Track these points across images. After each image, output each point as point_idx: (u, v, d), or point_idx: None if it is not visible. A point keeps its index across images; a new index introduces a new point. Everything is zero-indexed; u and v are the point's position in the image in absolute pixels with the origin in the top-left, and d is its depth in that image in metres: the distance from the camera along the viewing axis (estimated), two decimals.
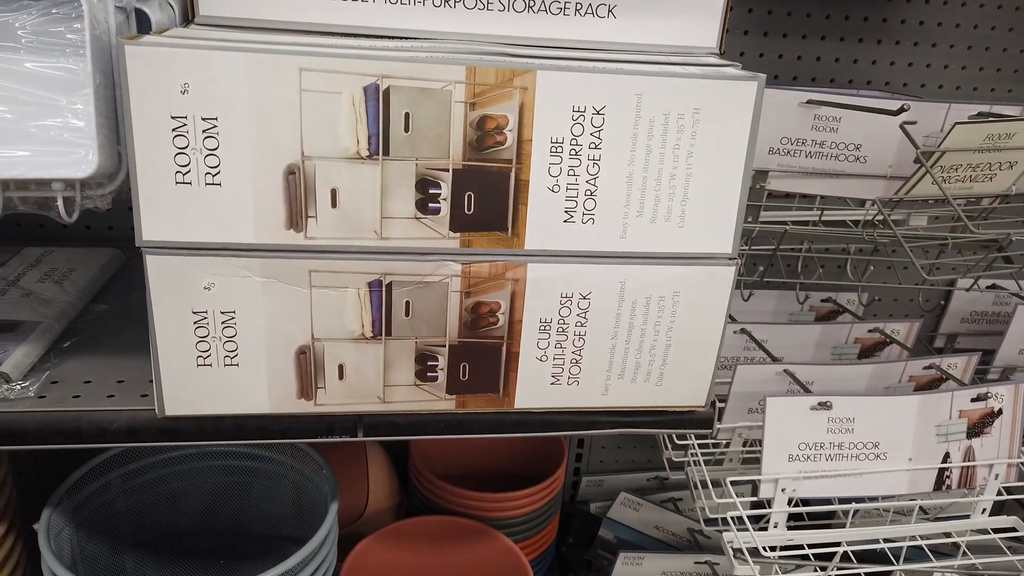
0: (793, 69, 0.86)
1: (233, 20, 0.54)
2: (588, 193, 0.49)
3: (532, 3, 0.56)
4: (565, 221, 0.50)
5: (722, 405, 0.79)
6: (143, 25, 0.49)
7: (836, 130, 0.73)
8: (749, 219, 0.79)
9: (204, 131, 0.45)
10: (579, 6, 0.56)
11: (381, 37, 0.55)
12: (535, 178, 0.49)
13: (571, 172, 0.49)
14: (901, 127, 0.65)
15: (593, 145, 0.48)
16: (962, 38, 0.87)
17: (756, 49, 0.84)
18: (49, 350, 0.58)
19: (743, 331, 0.85)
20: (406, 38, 0.56)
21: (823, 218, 0.82)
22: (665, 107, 0.48)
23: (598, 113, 0.48)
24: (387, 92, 0.45)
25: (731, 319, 0.87)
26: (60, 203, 0.45)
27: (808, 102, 0.72)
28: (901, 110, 0.65)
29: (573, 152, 0.48)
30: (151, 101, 0.43)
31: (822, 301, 0.95)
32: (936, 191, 0.64)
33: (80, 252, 0.75)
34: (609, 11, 0.57)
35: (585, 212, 0.50)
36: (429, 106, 0.46)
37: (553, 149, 0.48)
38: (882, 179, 0.75)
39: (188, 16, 0.54)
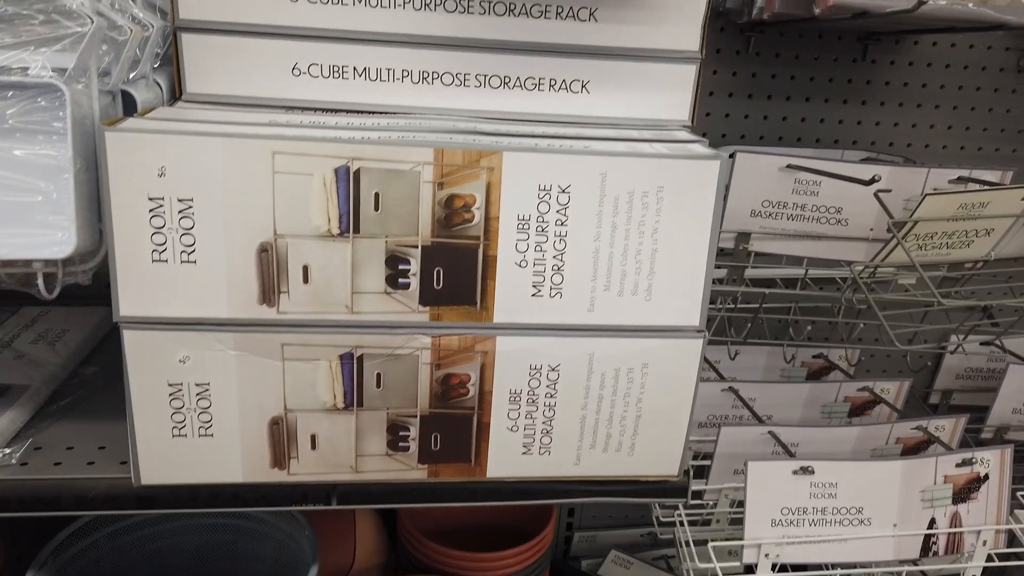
0: (778, 130, 0.87)
1: (218, 97, 0.56)
2: (555, 268, 0.50)
3: (508, 80, 0.58)
4: (533, 295, 0.51)
5: (708, 463, 0.79)
6: (129, 106, 0.51)
7: (816, 193, 0.74)
8: (734, 279, 0.79)
9: (180, 211, 0.46)
10: (553, 82, 0.58)
11: (361, 112, 0.57)
12: (503, 254, 0.50)
13: (538, 248, 0.50)
14: (875, 195, 0.66)
15: (559, 222, 0.50)
16: (947, 99, 0.88)
17: (740, 111, 0.86)
18: (36, 414, 0.60)
19: (731, 389, 0.85)
20: (385, 113, 0.57)
21: (809, 276, 0.83)
22: (629, 186, 0.49)
23: (564, 191, 0.49)
24: (357, 173, 0.47)
25: (719, 376, 0.87)
26: (40, 281, 0.46)
27: (788, 166, 0.73)
28: (873, 180, 0.65)
29: (540, 229, 0.50)
30: (129, 183, 0.45)
31: (813, 357, 0.95)
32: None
33: (77, 312, 0.77)
34: (583, 87, 0.58)
35: (553, 286, 0.51)
36: (398, 186, 0.48)
37: (520, 226, 0.49)
38: (864, 241, 0.76)
39: (176, 94, 0.56)
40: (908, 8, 0.57)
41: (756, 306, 0.81)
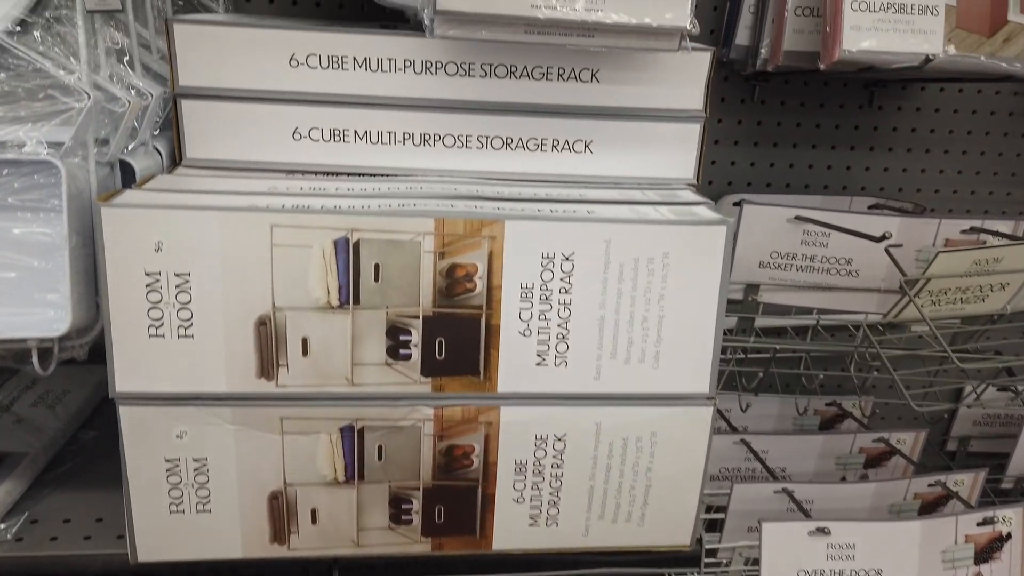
0: (785, 177, 0.86)
1: (218, 162, 0.56)
2: (560, 336, 0.49)
3: (510, 141, 0.57)
4: (537, 364, 0.50)
5: (721, 516, 0.77)
6: (128, 175, 0.51)
7: (826, 245, 0.73)
8: (744, 329, 0.78)
9: (177, 286, 0.45)
10: (556, 143, 0.58)
11: (363, 175, 0.57)
12: (506, 323, 0.49)
13: (542, 316, 0.49)
14: (886, 251, 0.65)
15: (563, 290, 0.49)
16: (955, 144, 0.87)
17: (746, 159, 0.85)
18: (33, 483, 0.59)
19: (742, 442, 0.83)
20: (387, 175, 0.57)
21: (821, 323, 0.81)
22: (634, 252, 0.48)
23: (567, 259, 0.48)
24: (357, 244, 0.46)
25: (730, 428, 0.85)
26: (35, 357, 0.45)
27: (796, 217, 0.72)
28: (883, 237, 0.64)
29: (543, 297, 0.49)
30: (125, 259, 0.45)
31: (826, 405, 0.93)
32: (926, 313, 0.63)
33: (79, 370, 0.75)
34: (586, 147, 0.58)
35: (557, 355, 0.50)
36: (399, 256, 0.47)
37: (523, 294, 0.48)
38: (875, 292, 0.74)
39: (176, 159, 0.56)
40: (916, 65, 0.56)
41: (767, 356, 0.80)
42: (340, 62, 0.54)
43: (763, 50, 0.71)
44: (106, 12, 0.47)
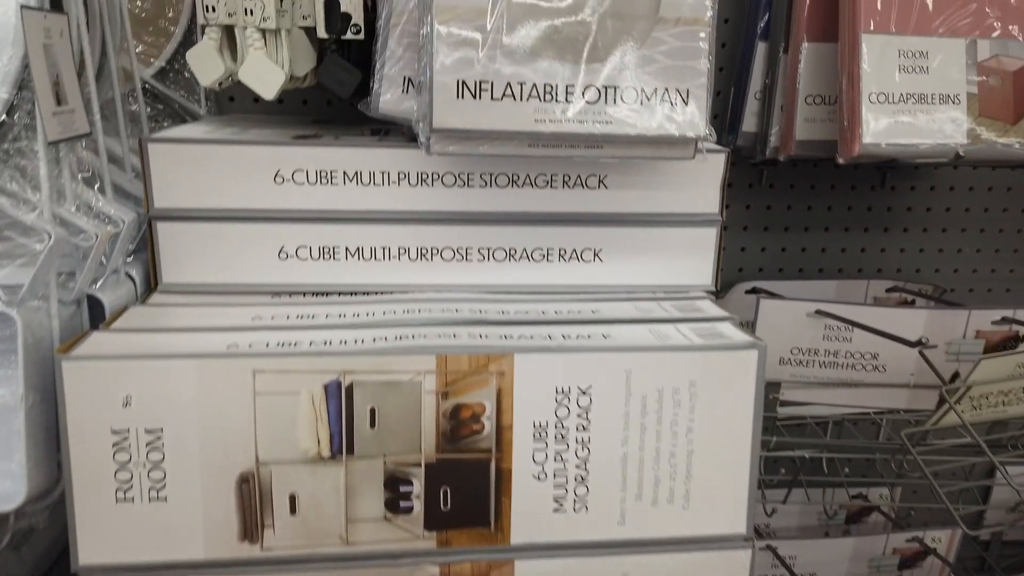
0: (798, 261, 0.83)
1: (197, 287, 0.51)
2: (579, 479, 0.44)
3: (513, 252, 0.53)
4: (555, 510, 0.44)
5: None
6: (96, 311, 0.46)
7: (850, 339, 0.69)
8: (765, 431, 0.73)
9: (148, 443, 0.40)
10: (563, 252, 0.53)
11: (355, 293, 0.52)
12: (518, 466, 0.44)
13: (558, 457, 0.44)
14: (921, 354, 0.61)
15: (581, 427, 0.44)
16: (972, 222, 0.83)
17: (757, 244, 0.81)
18: None
19: (768, 548, 0.77)
20: (381, 292, 0.52)
21: (844, 415, 0.77)
22: (658, 382, 0.44)
23: (584, 393, 0.43)
24: (350, 388, 0.41)
25: (756, 534, 0.80)
26: None
27: (817, 312, 0.68)
28: (920, 343, 0.60)
29: (559, 436, 0.44)
30: (90, 417, 0.40)
31: (852, 498, 0.88)
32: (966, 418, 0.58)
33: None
34: (595, 255, 0.54)
35: (576, 499, 0.44)
36: (397, 399, 0.42)
37: (537, 434, 0.43)
38: (904, 388, 0.70)
39: (151, 284, 0.51)
40: (946, 161, 0.53)
41: (789, 454, 0.75)
42: (329, 177, 0.50)
43: (772, 138, 0.68)
44: (71, 140, 0.43)
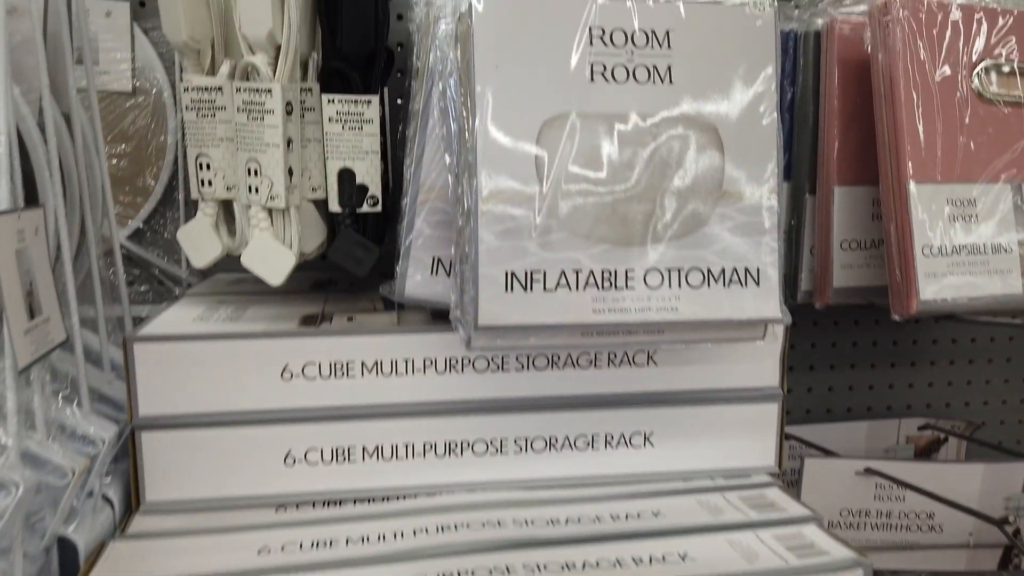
0: (825, 402, 0.78)
1: (187, 504, 0.43)
2: None
3: (554, 441, 0.47)
4: None
5: None
6: (68, 555, 0.38)
7: (903, 498, 0.63)
8: None
9: None
10: (610, 438, 0.47)
11: (371, 500, 0.45)
12: None
13: None
14: (1002, 530, 0.55)
15: None
16: (998, 352, 0.80)
17: (803, 383, 0.76)
18: None
19: None
20: (405, 497, 0.45)
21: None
22: None
23: None
24: None
25: None
26: None
27: (866, 471, 0.62)
28: (1005, 521, 0.55)
29: None
30: None
31: None
32: None
33: None
34: (645, 439, 0.47)
35: None
36: None
37: None
38: (964, 549, 0.64)
39: (132, 504, 0.43)
40: (1015, 323, 0.49)
41: None
42: (346, 369, 0.43)
43: (803, 282, 0.64)
44: (46, 356, 0.36)
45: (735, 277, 0.40)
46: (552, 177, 0.38)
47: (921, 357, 0.79)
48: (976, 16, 0.55)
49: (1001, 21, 0.55)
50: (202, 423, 0.43)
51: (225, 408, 0.43)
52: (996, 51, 0.55)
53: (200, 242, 0.44)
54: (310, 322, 0.46)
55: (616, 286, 0.39)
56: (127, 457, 0.43)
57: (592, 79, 0.38)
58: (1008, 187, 0.55)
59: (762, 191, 0.40)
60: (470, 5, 0.36)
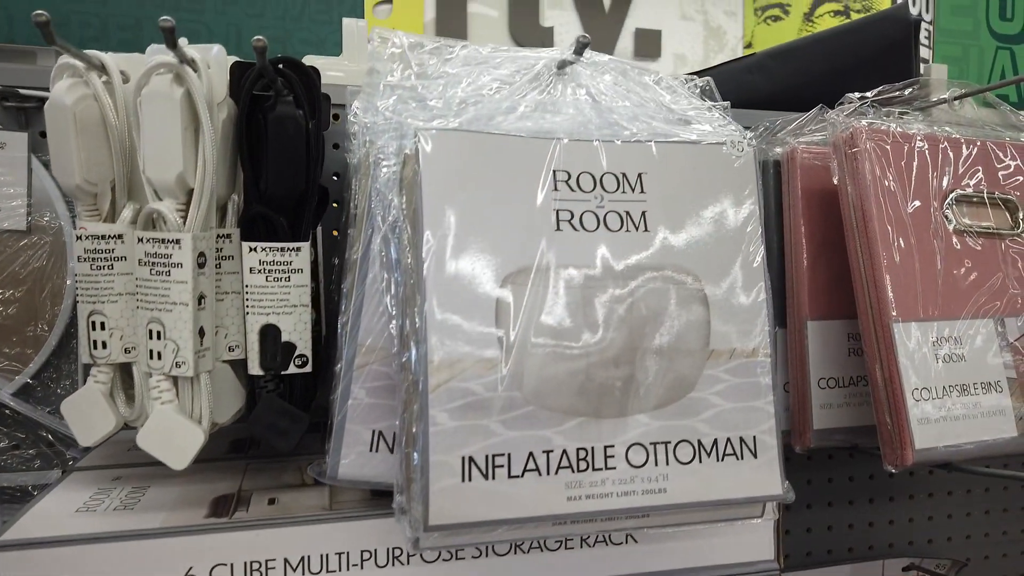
0: (804, 544, 0.72)
1: None
2: None
3: None
4: None
5: None
6: None
7: None
8: None
9: None
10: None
11: None
12: None
13: None
14: None
15: None
16: (976, 482, 0.76)
17: (802, 525, 0.70)
18: None
19: None
20: None
21: None
22: None
23: None
24: None
25: None
26: None
27: None
28: None
29: None
30: None
31: None
32: None
33: None
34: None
35: None
36: None
37: None
38: None
39: None
40: (1005, 473, 0.44)
41: None
42: (264, 570, 0.35)
43: None
44: None
45: (729, 448, 0.35)
46: (516, 341, 0.32)
47: (899, 491, 0.74)
48: (941, 146, 0.53)
49: (966, 151, 0.54)
50: None
51: None
52: (964, 182, 0.53)
53: (89, 416, 0.37)
54: (222, 507, 0.38)
55: (594, 466, 0.33)
56: None
57: (559, 227, 0.33)
58: (991, 322, 0.52)
59: (754, 346, 0.35)
60: (416, 146, 0.31)
